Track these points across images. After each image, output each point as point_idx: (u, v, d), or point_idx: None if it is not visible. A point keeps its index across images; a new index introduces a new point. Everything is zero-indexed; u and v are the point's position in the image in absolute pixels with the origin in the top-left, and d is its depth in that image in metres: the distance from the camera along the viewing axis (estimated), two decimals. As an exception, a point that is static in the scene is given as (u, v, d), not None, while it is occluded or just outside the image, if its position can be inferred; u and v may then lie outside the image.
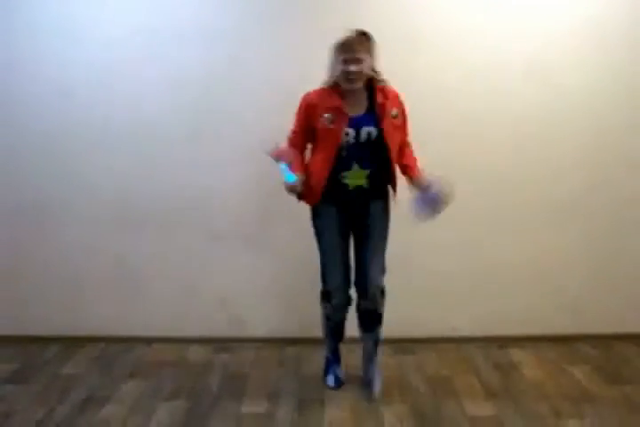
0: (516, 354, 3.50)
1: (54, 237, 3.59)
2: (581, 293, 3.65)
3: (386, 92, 2.83)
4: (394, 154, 2.86)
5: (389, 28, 3.33)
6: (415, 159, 2.99)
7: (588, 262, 3.63)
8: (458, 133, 3.45)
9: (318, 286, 3.09)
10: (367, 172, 2.83)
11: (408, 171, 2.94)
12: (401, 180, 2.95)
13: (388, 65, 3.04)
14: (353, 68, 2.68)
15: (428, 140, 3.39)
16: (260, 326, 3.66)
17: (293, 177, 2.74)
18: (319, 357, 3.38)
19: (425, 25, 3.36)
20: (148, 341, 3.65)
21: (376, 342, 3.13)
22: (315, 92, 2.83)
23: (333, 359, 3.23)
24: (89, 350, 3.57)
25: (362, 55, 2.69)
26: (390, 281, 3.11)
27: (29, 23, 3.37)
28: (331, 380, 3.16)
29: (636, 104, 3.47)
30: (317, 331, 3.31)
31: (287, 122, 2.93)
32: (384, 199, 2.98)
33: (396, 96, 2.88)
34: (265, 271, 3.61)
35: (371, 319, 3.09)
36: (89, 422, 2.82)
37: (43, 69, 3.42)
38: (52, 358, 3.48)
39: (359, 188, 2.85)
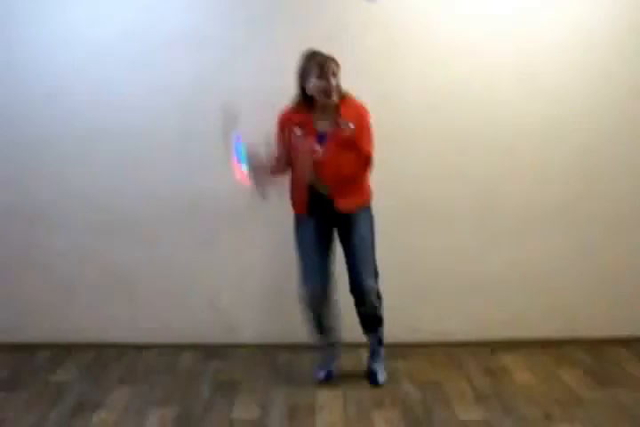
0: (507, 358, 3.51)
1: (43, 243, 3.58)
2: (572, 297, 3.66)
3: (348, 104, 2.92)
4: (349, 168, 2.93)
5: (377, 35, 3.36)
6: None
7: (579, 267, 3.64)
8: (447, 139, 3.47)
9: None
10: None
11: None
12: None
13: (376, 72, 3.08)
14: (325, 83, 2.82)
15: (418, 145, 3.42)
16: (251, 332, 3.66)
17: (246, 165, 2.81)
18: (310, 362, 3.39)
19: (413, 32, 3.38)
20: (139, 347, 3.64)
21: (379, 339, 3.31)
22: (286, 109, 3.00)
23: (323, 354, 3.31)
24: (79, 356, 3.56)
25: (336, 70, 2.85)
26: (382, 286, 3.12)
27: (18, 29, 3.37)
28: (316, 373, 3.26)
29: (627, 109, 3.49)
30: (308, 336, 3.31)
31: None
32: (363, 208, 3.08)
33: (357, 109, 2.93)
34: (256, 277, 3.61)
35: (371, 322, 3.23)
36: (80, 429, 2.81)
37: (31, 74, 3.42)
38: (43, 365, 3.46)
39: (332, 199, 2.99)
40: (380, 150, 3.00)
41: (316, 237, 3.08)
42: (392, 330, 3.38)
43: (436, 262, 3.60)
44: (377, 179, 3.12)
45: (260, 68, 3.37)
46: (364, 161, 2.94)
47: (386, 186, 3.29)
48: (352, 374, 3.30)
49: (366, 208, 3.09)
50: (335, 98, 2.86)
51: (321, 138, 2.92)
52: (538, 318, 3.66)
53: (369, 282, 3.07)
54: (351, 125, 2.84)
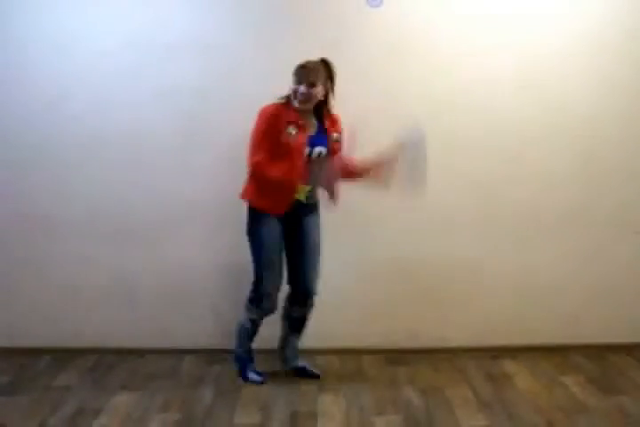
0: (510, 365, 3.50)
1: (46, 249, 3.58)
2: (575, 303, 3.66)
3: (332, 117, 3.11)
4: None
5: (379, 42, 3.37)
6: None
7: (582, 273, 3.64)
8: (449, 146, 3.47)
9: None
10: (309, 187, 3.06)
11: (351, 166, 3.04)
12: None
13: (378, 78, 3.08)
14: (301, 89, 2.94)
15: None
16: (253, 338, 3.65)
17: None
18: (315, 367, 3.39)
19: (415, 39, 3.40)
20: (141, 352, 3.63)
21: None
22: (274, 105, 3.01)
23: (249, 358, 3.33)
24: (81, 361, 3.55)
25: (315, 80, 2.94)
26: (382, 293, 3.12)
27: (22, 36, 3.39)
28: (255, 376, 3.28)
29: (631, 115, 3.51)
30: (310, 342, 3.32)
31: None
32: (317, 214, 3.21)
33: (339, 121, 3.13)
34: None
35: (303, 323, 3.31)
36: (80, 435, 2.80)
37: (35, 81, 3.43)
38: (44, 370, 3.45)
39: (298, 202, 3.07)
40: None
41: (280, 239, 3.14)
42: (393, 336, 3.38)
43: (437, 268, 3.59)
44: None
45: (263, 76, 3.38)
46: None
47: (387, 192, 3.28)
48: (353, 380, 3.29)
49: (319, 216, 3.21)
50: (305, 105, 2.97)
51: (309, 139, 3.01)
52: (540, 325, 3.66)
53: (316, 287, 3.21)
54: (336, 135, 3.08)
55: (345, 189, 3.02)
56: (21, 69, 3.42)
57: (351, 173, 3.01)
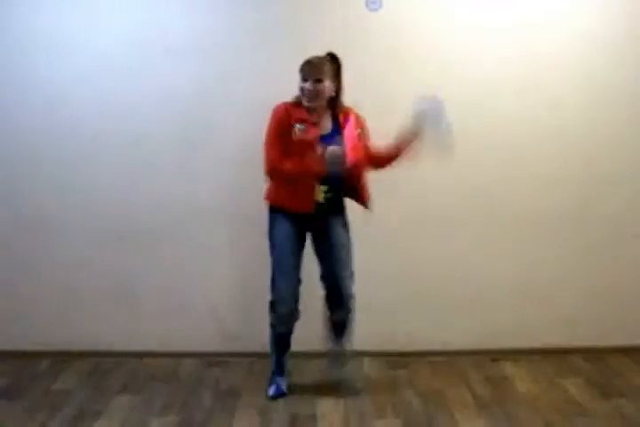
0: (509, 367, 3.50)
1: (45, 251, 3.58)
2: (574, 306, 3.65)
3: (348, 113, 3.00)
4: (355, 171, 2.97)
5: (378, 45, 3.37)
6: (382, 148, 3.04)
7: (581, 276, 3.64)
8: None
9: (310, 300, 3.10)
10: (326, 188, 2.96)
11: (384, 151, 3.02)
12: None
13: (377, 81, 3.08)
14: (308, 85, 2.87)
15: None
16: (252, 341, 3.63)
17: None
18: (312, 371, 3.40)
19: (414, 42, 3.40)
20: (140, 355, 3.63)
21: (347, 343, 3.25)
22: (284, 103, 2.97)
23: (276, 371, 3.22)
24: (80, 364, 3.55)
25: (321, 76, 2.87)
26: (382, 296, 3.12)
27: (20, 37, 3.39)
28: (272, 389, 3.16)
29: (630, 117, 3.51)
30: (309, 344, 3.31)
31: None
32: (342, 214, 3.12)
33: (359, 118, 3.04)
34: (257, 286, 3.59)
35: (345, 328, 3.19)
36: (80, 438, 2.81)
37: (35, 83, 3.43)
38: (43, 373, 3.45)
39: (316, 203, 2.98)
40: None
41: (295, 241, 3.05)
42: (393, 339, 3.38)
43: (436, 271, 3.59)
44: (377, 187, 3.12)
45: (263, 78, 3.38)
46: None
47: (387, 194, 3.29)
48: (353, 383, 3.29)
49: (345, 216, 3.14)
50: (313, 103, 2.90)
51: (321, 138, 2.91)
52: (539, 327, 3.65)
53: (351, 289, 3.11)
54: (359, 131, 2.98)
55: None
56: (21, 71, 3.42)
57: (384, 158, 3.01)
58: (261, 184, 3.05)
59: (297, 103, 2.95)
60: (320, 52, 2.90)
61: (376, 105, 3.28)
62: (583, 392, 3.20)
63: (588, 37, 3.41)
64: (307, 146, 2.88)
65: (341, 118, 2.99)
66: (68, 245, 3.57)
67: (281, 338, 3.17)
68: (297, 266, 3.07)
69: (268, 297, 3.07)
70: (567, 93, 3.46)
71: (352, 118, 3.00)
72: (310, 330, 3.23)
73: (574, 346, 3.66)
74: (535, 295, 3.64)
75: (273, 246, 3.06)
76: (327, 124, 2.98)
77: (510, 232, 3.58)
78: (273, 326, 3.14)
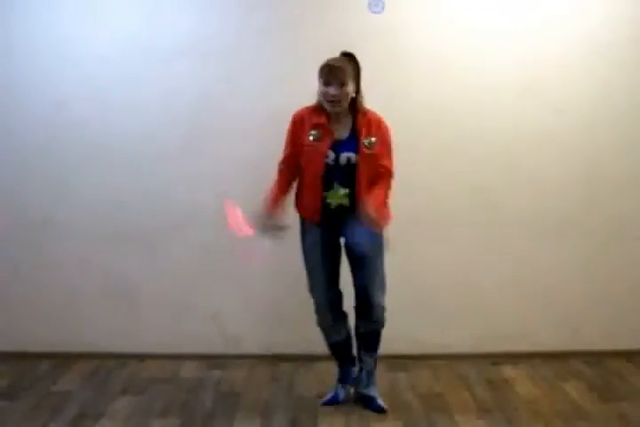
0: (510, 371, 3.50)
1: (46, 253, 3.59)
2: (575, 309, 3.65)
3: (368, 118, 2.85)
4: (366, 181, 2.84)
5: (380, 47, 3.38)
6: (377, 196, 2.86)
7: (582, 279, 3.64)
8: (449, 153, 3.48)
9: (311, 303, 3.10)
10: (347, 190, 2.84)
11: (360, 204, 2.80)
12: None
13: (378, 83, 3.08)
14: (332, 90, 2.73)
15: (419, 159, 3.42)
16: (254, 343, 3.65)
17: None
18: (312, 374, 3.40)
19: (416, 45, 3.41)
20: (141, 357, 3.63)
21: (375, 359, 3.13)
22: (305, 108, 2.88)
23: (339, 377, 3.17)
24: (81, 366, 3.55)
25: (344, 79, 2.72)
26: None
27: (25, 41, 3.40)
28: (327, 396, 3.12)
29: (630, 122, 3.51)
30: (310, 347, 3.31)
31: (280, 139, 2.93)
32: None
33: (378, 123, 2.87)
34: (258, 288, 3.61)
35: (374, 340, 3.09)
36: (80, 440, 2.80)
37: (38, 87, 3.44)
38: (44, 375, 3.45)
39: (341, 206, 2.86)
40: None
41: (322, 248, 2.95)
42: (393, 342, 3.37)
43: (437, 275, 3.60)
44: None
45: (265, 81, 3.40)
46: (385, 175, 2.90)
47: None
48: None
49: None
50: (339, 107, 2.77)
51: (336, 144, 2.81)
52: (540, 331, 3.65)
53: (379, 298, 2.99)
54: (372, 139, 2.81)
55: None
56: (25, 76, 3.44)
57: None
58: (261, 185, 3.02)
59: (317, 108, 2.84)
60: (324, 54, 2.87)
61: (377, 107, 3.28)
62: (584, 396, 3.19)
63: (589, 42, 3.42)
64: (317, 154, 2.81)
65: (360, 122, 2.83)
66: (69, 246, 3.57)
67: (333, 347, 3.13)
68: (328, 275, 2.98)
69: (268, 299, 3.07)
70: (569, 97, 3.47)
71: (377, 123, 2.86)
72: (311, 333, 3.23)
73: (575, 349, 3.66)
74: (536, 299, 3.64)
75: (303, 254, 3.00)
76: (345, 129, 2.84)
77: (511, 236, 3.58)
78: (321, 329, 3.08)
